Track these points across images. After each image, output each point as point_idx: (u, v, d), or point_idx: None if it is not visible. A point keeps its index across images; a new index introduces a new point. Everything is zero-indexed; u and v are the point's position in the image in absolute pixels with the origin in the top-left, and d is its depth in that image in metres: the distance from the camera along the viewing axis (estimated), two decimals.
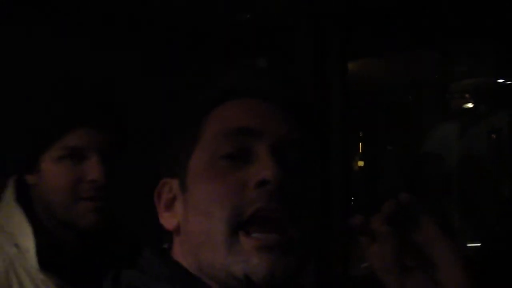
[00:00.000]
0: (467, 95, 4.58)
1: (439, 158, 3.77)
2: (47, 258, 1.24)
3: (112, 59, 2.54)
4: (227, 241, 0.71)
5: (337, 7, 2.58)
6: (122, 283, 0.77)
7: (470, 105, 4.69)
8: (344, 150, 2.53)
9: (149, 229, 0.89)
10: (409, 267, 0.70)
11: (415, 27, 2.71)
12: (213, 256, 0.72)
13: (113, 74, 2.33)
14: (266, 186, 0.71)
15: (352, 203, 2.97)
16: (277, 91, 0.80)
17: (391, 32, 2.72)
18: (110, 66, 2.47)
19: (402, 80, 4.45)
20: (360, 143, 4.51)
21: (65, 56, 2.39)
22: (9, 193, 1.31)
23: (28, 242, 1.23)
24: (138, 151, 1.58)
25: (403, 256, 0.70)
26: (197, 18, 2.63)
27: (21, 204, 1.29)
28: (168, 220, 0.80)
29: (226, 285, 0.72)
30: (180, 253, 0.79)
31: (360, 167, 4.47)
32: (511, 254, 2.49)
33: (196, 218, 0.75)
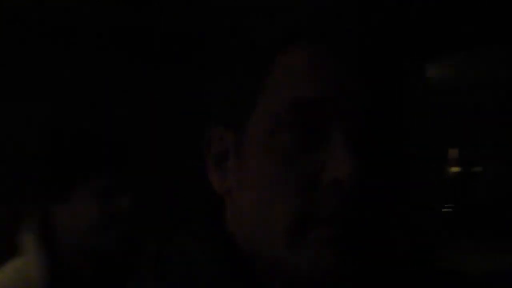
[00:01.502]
0: None
1: None
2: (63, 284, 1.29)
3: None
4: (291, 234, 0.61)
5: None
6: (172, 253, 0.69)
7: None
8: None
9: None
10: None
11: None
12: (271, 246, 0.62)
13: None
14: (341, 185, 0.58)
15: None
16: (367, 39, 0.61)
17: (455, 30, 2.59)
18: None
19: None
20: None
21: None
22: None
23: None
24: None
25: None
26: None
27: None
28: (217, 182, 0.69)
29: (284, 275, 0.62)
30: (230, 222, 0.69)
31: None
32: None
33: (253, 198, 0.63)
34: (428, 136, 2.98)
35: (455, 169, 7.61)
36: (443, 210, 5.87)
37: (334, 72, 0.60)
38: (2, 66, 2.68)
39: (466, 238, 5.77)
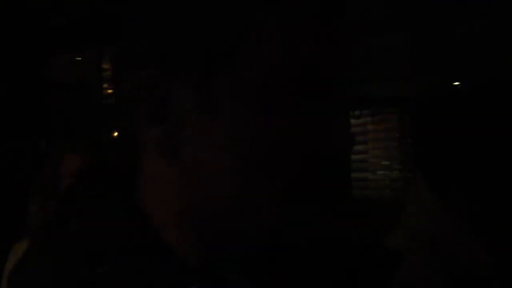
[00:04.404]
0: None
1: None
2: None
3: None
4: (281, 203, 0.57)
5: None
6: None
7: None
8: None
9: None
10: None
11: None
12: (248, 216, 0.57)
13: None
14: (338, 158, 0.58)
15: None
16: None
17: None
18: None
19: None
20: None
21: None
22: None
23: None
24: None
25: None
26: None
27: None
28: (156, 138, 0.56)
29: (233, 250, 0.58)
30: (150, 186, 0.60)
31: None
32: None
33: (239, 160, 0.56)
34: None
35: None
36: None
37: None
38: None
39: None
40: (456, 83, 3.15)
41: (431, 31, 3.48)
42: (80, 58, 4.14)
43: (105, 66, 3.90)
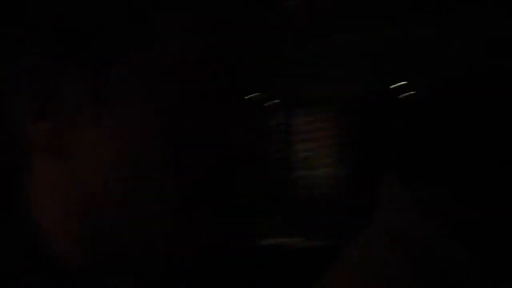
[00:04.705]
0: None
1: None
2: None
3: None
4: (180, 213, 0.53)
5: None
6: None
7: None
8: None
9: None
10: None
11: None
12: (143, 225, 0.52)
13: None
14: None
15: None
16: None
17: None
18: None
19: None
20: None
21: None
22: None
23: None
24: None
25: None
26: None
27: None
28: (42, 133, 0.52)
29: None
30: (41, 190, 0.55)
31: None
32: None
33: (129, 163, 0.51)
34: None
35: None
36: None
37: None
38: None
39: None
40: (404, 82, 3.33)
41: (374, 33, 3.64)
42: None
43: None
